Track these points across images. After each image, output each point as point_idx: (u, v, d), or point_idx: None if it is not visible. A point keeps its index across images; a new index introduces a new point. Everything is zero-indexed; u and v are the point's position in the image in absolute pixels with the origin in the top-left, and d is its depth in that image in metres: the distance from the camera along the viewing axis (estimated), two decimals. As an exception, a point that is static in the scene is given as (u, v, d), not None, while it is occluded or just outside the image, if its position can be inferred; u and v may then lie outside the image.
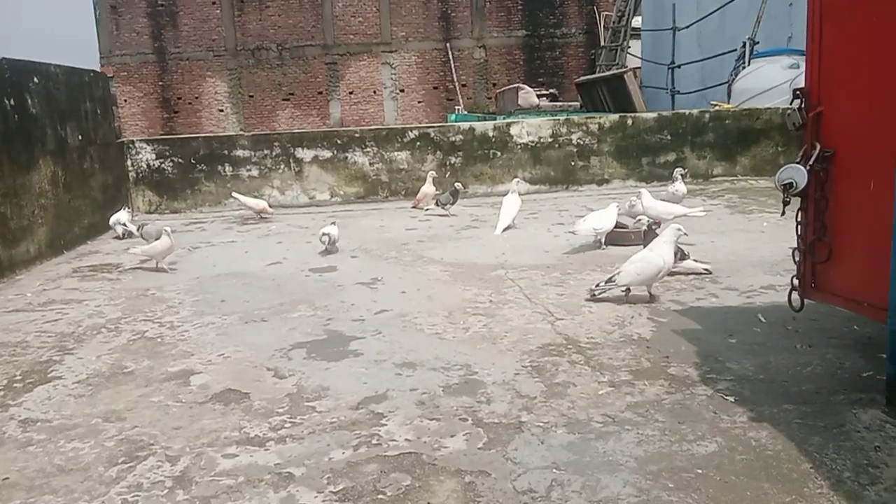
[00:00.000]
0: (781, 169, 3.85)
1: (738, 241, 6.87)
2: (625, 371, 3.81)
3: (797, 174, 3.76)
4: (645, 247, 5.73)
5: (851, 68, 3.66)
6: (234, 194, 9.60)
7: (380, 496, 2.73)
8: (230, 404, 3.63)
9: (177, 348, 4.53)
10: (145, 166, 10.19)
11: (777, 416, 3.23)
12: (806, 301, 4.02)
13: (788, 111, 3.88)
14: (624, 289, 5.02)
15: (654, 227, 6.06)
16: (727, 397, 3.44)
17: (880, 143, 3.49)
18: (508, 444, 3.08)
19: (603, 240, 6.73)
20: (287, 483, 2.87)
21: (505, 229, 7.82)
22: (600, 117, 10.71)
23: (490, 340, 4.39)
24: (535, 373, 3.84)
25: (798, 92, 3.85)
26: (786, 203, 3.87)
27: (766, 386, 3.55)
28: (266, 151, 10.18)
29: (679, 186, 8.03)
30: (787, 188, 3.77)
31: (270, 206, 9.54)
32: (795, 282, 4.04)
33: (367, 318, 4.96)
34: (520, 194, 8.35)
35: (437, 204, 8.79)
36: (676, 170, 8.36)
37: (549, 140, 10.51)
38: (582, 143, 10.55)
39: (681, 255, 5.64)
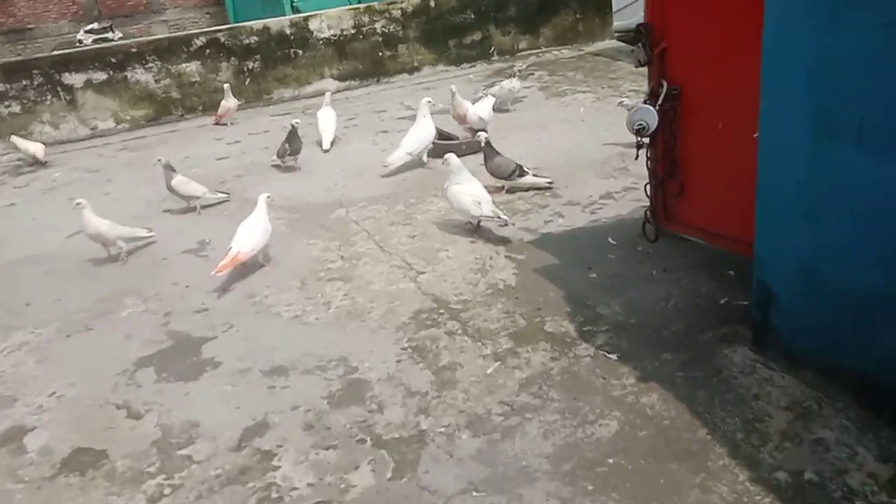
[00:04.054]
0: (632, 111, 3.79)
1: (561, 136, 6.91)
2: (504, 336, 3.75)
3: (648, 115, 3.72)
4: (485, 159, 5.62)
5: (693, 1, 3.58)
6: (12, 138, 8.00)
7: (301, 572, 2.53)
8: (87, 472, 3.13)
9: (-9, 392, 3.83)
10: None
11: (659, 370, 3.34)
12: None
13: (633, 49, 3.77)
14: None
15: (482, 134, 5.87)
16: (609, 355, 3.50)
17: (727, 80, 3.49)
18: (417, 465, 2.94)
19: (424, 157, 6.46)
20: (190, 576, 2.56)
21: (331, 144, 7.34)
22: (402, 2, 10.09)
23: (358, 317, 4.12)
24: (417, 356, 3.67)
25: (641, 27, 3.73)
26: (639, 146, 3.86)
27: (639, 332, 3.66)
28: (26, 82, 8.57)
29: (514, 83, 7.85)
30: (640, 131, 3.73)
31: (45, 143, 8.18)
32: (648, 213, 4.13)
33: (211, 306, 4.46)
34: (332, 94, 8.00)
35: (279, 158, 6.87)
36: (516, 66, 8.29)
37: (353, 32, 9.79)
38: (387, 31, 9.95)
39: (519, 172, 5.58)
